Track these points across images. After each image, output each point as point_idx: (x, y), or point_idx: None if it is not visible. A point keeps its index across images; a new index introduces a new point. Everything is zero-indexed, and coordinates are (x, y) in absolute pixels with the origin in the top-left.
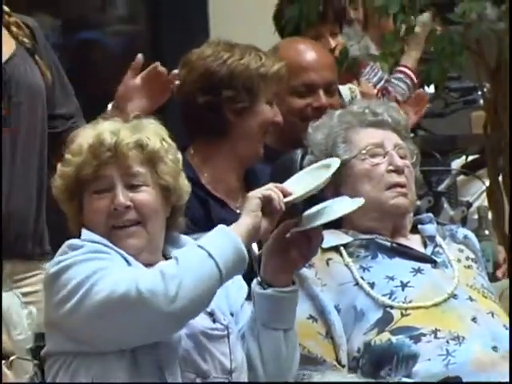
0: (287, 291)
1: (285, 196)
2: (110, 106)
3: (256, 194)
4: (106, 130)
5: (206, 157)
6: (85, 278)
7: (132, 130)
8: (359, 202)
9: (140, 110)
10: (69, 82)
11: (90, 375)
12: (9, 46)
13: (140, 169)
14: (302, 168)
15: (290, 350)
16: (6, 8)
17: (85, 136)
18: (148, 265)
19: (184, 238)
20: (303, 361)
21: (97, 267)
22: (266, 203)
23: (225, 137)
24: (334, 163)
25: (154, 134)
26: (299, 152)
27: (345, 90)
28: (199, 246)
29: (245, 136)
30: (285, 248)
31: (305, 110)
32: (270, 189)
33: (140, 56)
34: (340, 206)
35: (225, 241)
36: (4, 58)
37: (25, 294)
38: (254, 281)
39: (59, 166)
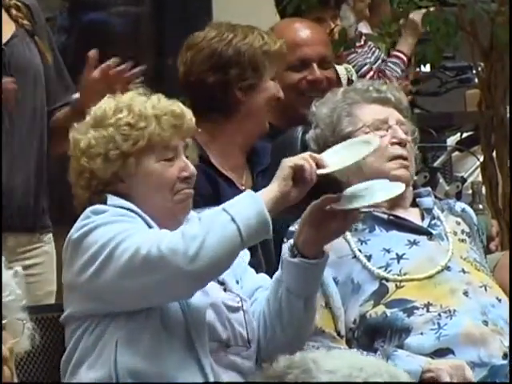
0: (313, 263)
1: (319, 167)
2: (76, 96)
3: (288, 163)
4: (161, 98)
5: (214, 135)
6: (107, 241)
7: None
8: (400, 186)
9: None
10: (62, 61)
11: (116, 337)
12: (8, 28)
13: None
14: (303, 145)
15: (309, 316)
16: None
17: (140, 103)
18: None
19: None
20: None
21: (118, 230)
22: (298, 172)
23: (233, 114)
24: (374, 141)
25: None
26: (300, 129)
27: (341, 69)
28: (224, 209)
29: (252, 113)
30: (320, 221)
31: (300, 83)
32: (305, 159)
33: (94, 51)
34: (381, 191)
35: (250, 206)
36: (4, 40)
37: (28, 266)
38: (286, 245)
39: (99, 132)
